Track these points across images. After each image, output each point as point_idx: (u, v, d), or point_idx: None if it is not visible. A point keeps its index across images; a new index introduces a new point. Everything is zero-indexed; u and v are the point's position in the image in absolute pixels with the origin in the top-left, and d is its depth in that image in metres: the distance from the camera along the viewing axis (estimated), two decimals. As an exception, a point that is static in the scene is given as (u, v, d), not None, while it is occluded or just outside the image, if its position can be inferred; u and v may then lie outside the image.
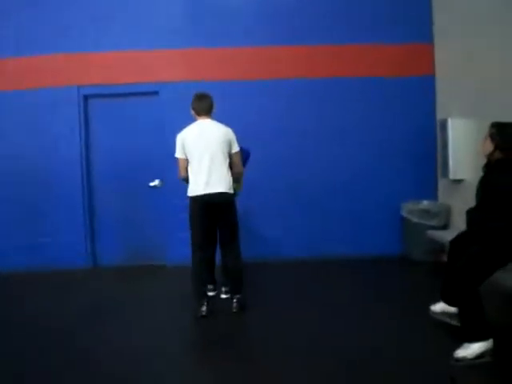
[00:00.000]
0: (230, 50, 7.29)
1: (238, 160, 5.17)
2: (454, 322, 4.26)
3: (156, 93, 7.34)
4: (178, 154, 5.10)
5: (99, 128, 7.46)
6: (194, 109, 5.20)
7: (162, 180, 7.31)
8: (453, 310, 4.32)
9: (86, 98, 7.37)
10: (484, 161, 4.15)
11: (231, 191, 5.03)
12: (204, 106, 5.14)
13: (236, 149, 5.12)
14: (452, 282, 3.97)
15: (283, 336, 4.47)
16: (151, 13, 7.31)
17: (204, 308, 4.98)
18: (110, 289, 6.35)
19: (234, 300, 5.14)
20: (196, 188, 4.97)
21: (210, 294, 5.48)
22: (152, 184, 7.36)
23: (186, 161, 5.06)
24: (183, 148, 5.03)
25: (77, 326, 4.90)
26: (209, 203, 4.94)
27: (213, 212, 5.01)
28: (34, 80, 7.25)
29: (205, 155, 4.94)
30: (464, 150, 6.50)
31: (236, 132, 5.18)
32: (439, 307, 4.46)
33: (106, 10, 7.26)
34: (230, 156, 5.08)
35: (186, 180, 5.10)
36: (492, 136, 4.01)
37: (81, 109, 7.33)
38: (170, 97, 7.28)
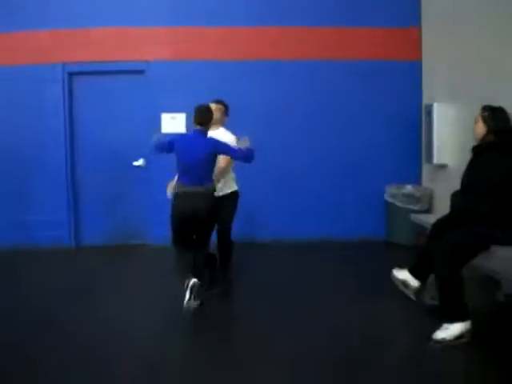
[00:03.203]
0: (217, 30, 7.22)
1: None
2: (409, 293, 4.47)
3: (142, 71, 7.26)
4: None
5: (84, 106, 7.38)
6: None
7: (145, 159, 7.28)
8: (415, 284, 4.43)
9: (70, 75, 7.27)
10: (471, 145, 4.18)
11: None
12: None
13: None
14: (434, 263, 4.03)
15: (265, 317, 4.53)
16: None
17: None
18: (94, 267, 6.31)
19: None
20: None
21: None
22: (136, 163, 7.32)
23: None
24: None
25: (59, 304, 4.89)
26: None
27: None
28: (18, 56, 7.12)
29: None
30: (448, 136, 6.55)
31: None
32: (402, 275, 4.53)
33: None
34: None
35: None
36: (485, 119, 4.04)
37: (65, 86, 7.22)
38: (155, 76, 7.22)
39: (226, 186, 5.26)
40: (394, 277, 4.60)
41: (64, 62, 7.19)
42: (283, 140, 7.36)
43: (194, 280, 4.45)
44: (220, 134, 5.12)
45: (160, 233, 6.87)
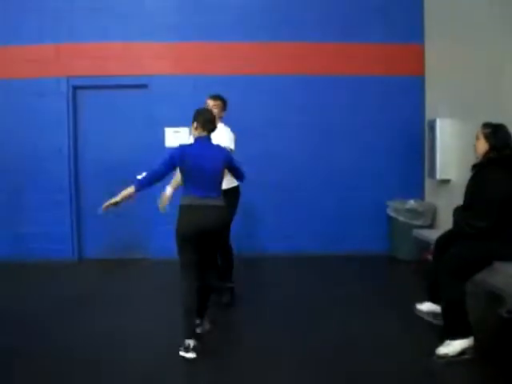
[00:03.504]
0: (219, 45, 7.27)
1: None
2: (438, 322, 4.31)
3: (145, 86, 7.30)
4: None
5: (87, 119, 7.41)
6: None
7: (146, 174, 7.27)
8: (439, 309, 4.37)
9: (74, 88, 7.31)
10: (474, 160, 4.18)
11: None
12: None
13: None
14: (437, 277, 4.01)
15: (269, 330, 4.50)
16: (142, 5, 7.27)
17: None
18: (95, 281, 6.33)
19: None
20: None
21: None
22: (140, 177, 7.30)
23: None
24: None
25: (56, 318, 4.88)
26: None
27: None
28: (23, 69, 7.17)
29: None
30: (451, 151, 6.55)
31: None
32: (425, 307, 4.51)
33: (97, 0, 7.22)
34: None
35: None
36: (487, 136, 4.03)
37: (69, 99, 7.26)
38: (158, 90, 7.26)
39: (228, 180, 4.84)
40: (419, 311, 4.56)
41: (68, 75, 7.23)
42: (286, 154, 7.38)
43: (193, 348, 3.97)
44: (219, 129, 4.90)
45: (160, 247, 6.90)
